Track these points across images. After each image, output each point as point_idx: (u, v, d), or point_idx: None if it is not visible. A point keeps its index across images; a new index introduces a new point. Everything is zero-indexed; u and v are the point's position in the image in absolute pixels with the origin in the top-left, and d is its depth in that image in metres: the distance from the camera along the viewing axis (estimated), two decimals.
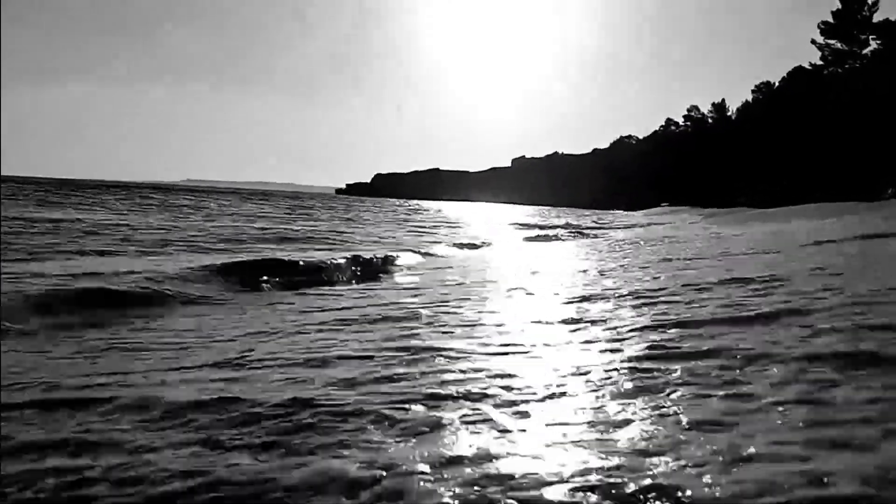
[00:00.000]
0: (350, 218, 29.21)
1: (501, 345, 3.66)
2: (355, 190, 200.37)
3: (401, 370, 3.15)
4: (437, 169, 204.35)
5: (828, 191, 27.20)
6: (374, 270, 9.12)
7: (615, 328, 3.98)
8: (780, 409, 2.29)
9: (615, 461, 1.94)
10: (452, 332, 4.15)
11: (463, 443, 2.15)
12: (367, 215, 33.41)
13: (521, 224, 29.49)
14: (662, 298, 5.00)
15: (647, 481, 1.79)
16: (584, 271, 8.21)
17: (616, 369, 2.98)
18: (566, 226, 27.98)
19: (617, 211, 71.88)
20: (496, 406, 2.52)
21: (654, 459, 1.94)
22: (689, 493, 1.71)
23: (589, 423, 2.31)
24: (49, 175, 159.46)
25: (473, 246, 15.35)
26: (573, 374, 2.95)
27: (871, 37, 46.08)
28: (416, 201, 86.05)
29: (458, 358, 3.37)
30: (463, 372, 3.08)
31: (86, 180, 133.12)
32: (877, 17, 46.00)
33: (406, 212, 43.22)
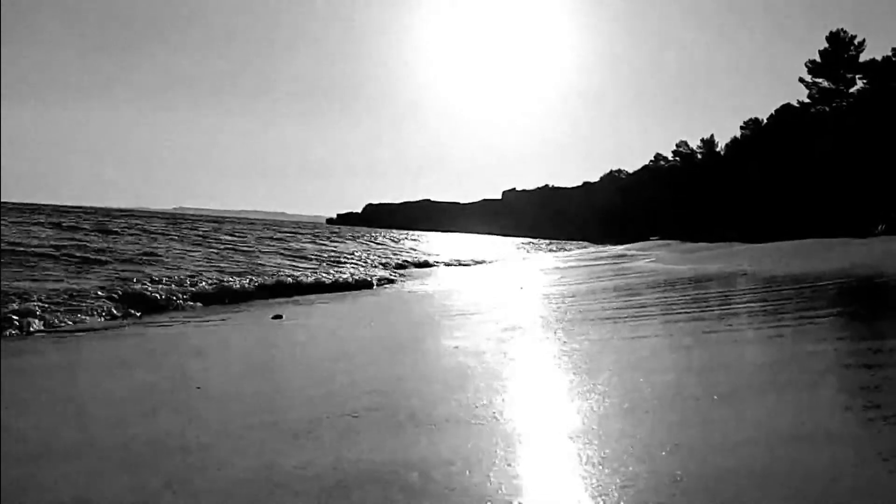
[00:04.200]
0: None
1: None
2: (346, 220, 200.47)
3: None
4: (429, 200, 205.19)
5: (818, 228, 27.27)
6: None
7: None
8: None
9: None
10: None
11: None
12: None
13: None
14: None
15: None
16: None
17: None
18: None
19: (589, 245, 71.93)
20: None
21: None
22: None
23: None
24: (34, 201, 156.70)
25: None
26: None
27: (857, 76, 46.83)
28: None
29: None
30: None
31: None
32: (863, 57, 46.84)
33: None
